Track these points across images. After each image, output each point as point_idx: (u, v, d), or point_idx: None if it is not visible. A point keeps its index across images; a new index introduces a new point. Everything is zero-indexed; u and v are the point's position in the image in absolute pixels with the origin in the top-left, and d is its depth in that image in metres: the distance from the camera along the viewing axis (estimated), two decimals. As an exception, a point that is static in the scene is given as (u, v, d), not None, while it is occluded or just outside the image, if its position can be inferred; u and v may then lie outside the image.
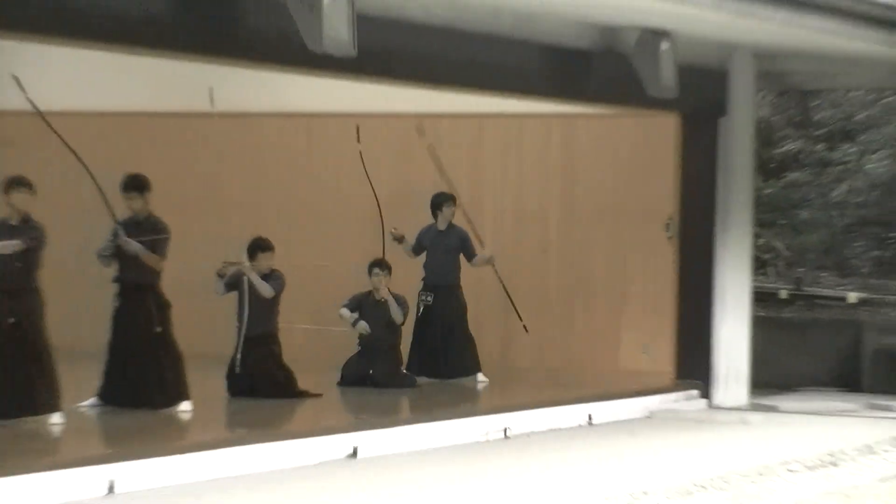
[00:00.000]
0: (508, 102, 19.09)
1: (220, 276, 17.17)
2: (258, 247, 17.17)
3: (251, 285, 17.06)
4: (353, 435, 15.21)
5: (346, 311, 18.32)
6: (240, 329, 17.18)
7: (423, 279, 19.38)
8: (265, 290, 17.09)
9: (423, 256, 19.49)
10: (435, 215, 19.31)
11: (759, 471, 14.38)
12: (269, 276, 17.16)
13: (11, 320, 14.63)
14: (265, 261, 17.09)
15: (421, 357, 19.30)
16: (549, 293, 20.81)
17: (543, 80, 17.35)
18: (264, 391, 17.08)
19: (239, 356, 17.17)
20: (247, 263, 17.11)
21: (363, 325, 18.23)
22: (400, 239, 19.15)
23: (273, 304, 17.30)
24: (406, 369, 18.97)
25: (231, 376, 17.23)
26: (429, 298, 19.28)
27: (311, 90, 19.25)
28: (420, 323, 19.36)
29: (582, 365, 20.31)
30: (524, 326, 19.80)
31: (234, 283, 17.15)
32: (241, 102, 20.28)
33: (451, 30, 15.60)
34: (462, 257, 19.43)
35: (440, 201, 19.31)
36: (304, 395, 17.29)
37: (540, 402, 17.69)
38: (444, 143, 20.73)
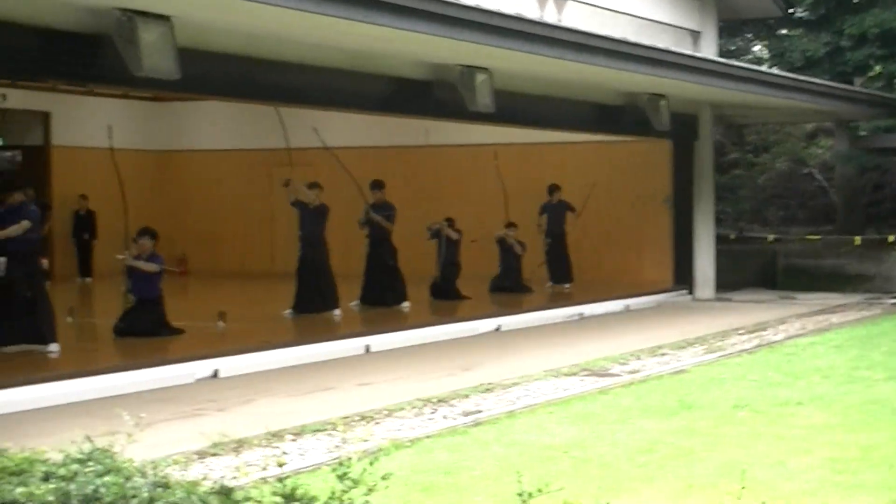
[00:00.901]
0: (579, 135, 19.05)
1: (429, 229, 17.33)
2: (448, 219, 17.30)
3: (445, 234, 17.11)
4: (497, 319, 15.17)
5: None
6: (439, 259, 17.19)
7: (546, 230, 19.22)
8: (454, 235, 17.19)
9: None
10: (549, 195, 19.20)
11: (722, 334, 14.20)
12: (456, 231, 17.28)
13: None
14: (451, 224, 17.22)
15: (552, 271, 19.21)
16: (606, 239, 20.60)
17: (598, 123, 17.22)
18: (448, 295, 17.08)
19: (438, 274, 17.18)
20: (444, 223, 17.18)
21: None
22: (540, 225, 19.16)
23: (457, 245, 17.32)
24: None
25: (433, 287, 17.23)
26: (549, 240, 19.17)
27: (471, 131, 19.31)
28: (548, 253, 19.20)
29: (623, 277, 20.07)
30: None
31: (436, 233, 17.22)
32: (436, 139, 20.27)
33: (548, 97, 15.53)
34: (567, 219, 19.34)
35: (553, 188, 19.22)
36: (465, 297, 17.23)
37: (600, 298, 17.54)
38: (549, 158, 20.64)
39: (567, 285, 19.12)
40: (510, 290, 18.07)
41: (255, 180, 22.77)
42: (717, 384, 10.26)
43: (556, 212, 19.27)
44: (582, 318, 16.38)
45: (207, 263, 23.03)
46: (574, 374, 11.05)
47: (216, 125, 23.45)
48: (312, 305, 14.91)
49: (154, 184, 23.30)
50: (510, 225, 18.50)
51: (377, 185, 16.19)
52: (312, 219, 14.97)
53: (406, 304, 16.04)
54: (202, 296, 19.84)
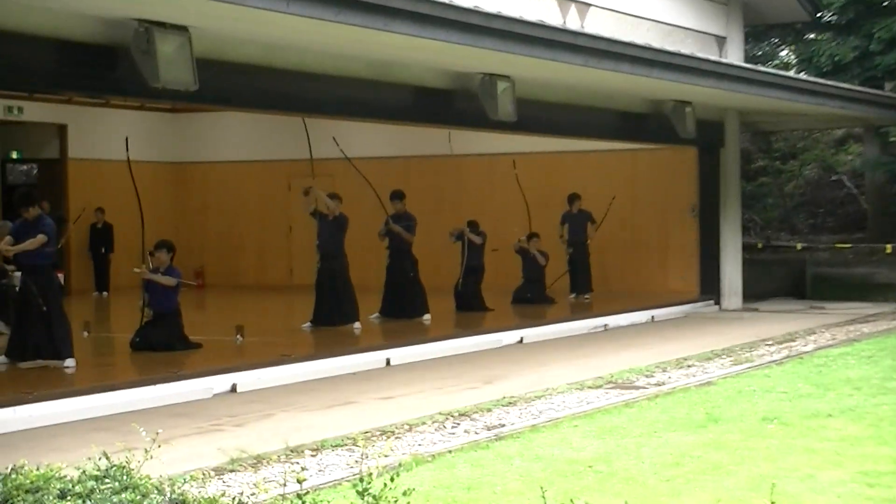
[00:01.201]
0: (603, 144, 19.05)
1: (451, 234, 17.34)
2: (471, 223, 17.32)
3: (468, 238, 17.13)
4: (520, 331, 15.13)
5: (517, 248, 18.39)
6: (462, 263, 17.18)
7: (567, 240, 19.20)
8: (477, 240, 17.18)
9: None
10: (570, 205, 19.18)
11: (750, 345, 14.13)
12: (478, 234, 17.24)
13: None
14: (474, 227, 17.20)
15: (572, 282, 19.16)
16: (631, 248, 20.56)
17: (622, 131, 17.21)
18: (471, 306, 17.04)
19: (461, 280, 17.16)
20: (467, 229, 17.16)
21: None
22: (562, 236, 19.16)
23: (481, 249, 17.31)
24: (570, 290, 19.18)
25: (456, 293, 17.20)
26: (570, 250, 19.14)
27: (491, 140, 19.34)
28: (568, 263, 19.16)
29: (647, 288, 20.02)
30: None
31: (459, 236, 17.21)
32: (457, 148, 20.23)
33: (571, 105, 15.52)
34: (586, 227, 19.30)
35: (573, 198, 19.20)
36: (488, 308, 17.18)
37: (624, 309, 17.47)
38: (571, 167, 20.62)
39: (587, 296, 19.10)
40: (533, 302, 18.04)
41: (274, 192, 22.89)
42: (746, 396, 10.20)
43: (576, 221, 19.25)
44: (606, 330, 16.34)
45: (225, 276, 23.13)
46: (599, 386, 11.02)
47: (234, 136, 23.56)
48: (331, 318, 14.91)
49: (171, 196, 23.41)
50: (532, 235, 18.48)
51: (397, 195, 16.20)
52: (331, 229, 14.99)
53: (427, 317, 16.03)
54: (220, 309, 19.89)
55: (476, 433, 8.76)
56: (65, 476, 4.43)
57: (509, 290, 18.30)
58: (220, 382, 10.94)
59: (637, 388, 10.94)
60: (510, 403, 10.02)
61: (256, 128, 22.80)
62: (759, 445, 8.02)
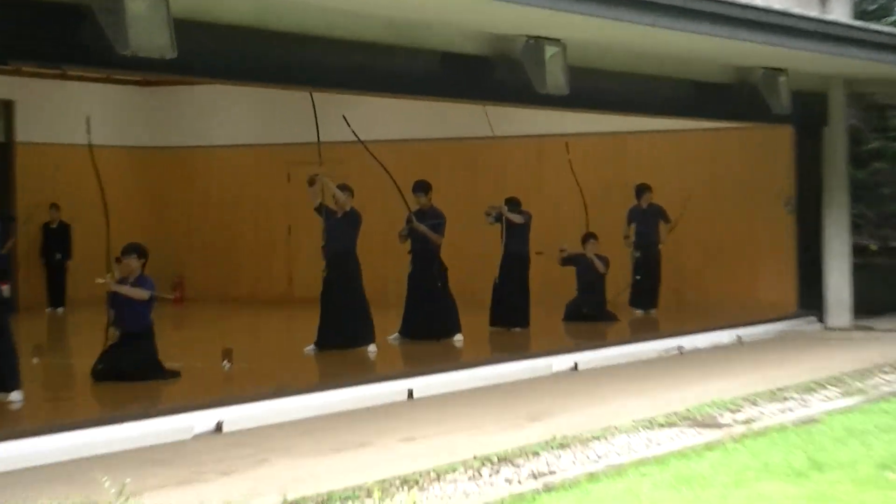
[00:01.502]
0: (676, 122, 19.03)
1: (487, 213, 17.47)
2: (511, 200, 17.37)
3: (507, 218, 17.19)
4: (573, 355, 15.09)
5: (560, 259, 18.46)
6: (503, 244, 17.26)
7: (634, 242, 19.29)
8: (517, 218, 17.28)
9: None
10: (637, 199, 19.20)
11: (862, 372, 14.08)
12: (520, 213, 17.34)
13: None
14: (514, 205, 17.29)
15: (635, 293, 19.26)
16: (711, 252, 20.52)
17: (699, 106, 17.15)
18: (513, 317, 17.02)
19: (498, 273, 17.23)
20: (505, 207, 17.19)
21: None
22: (628, 237, 19.33)
23: (524, 232, 17.36)
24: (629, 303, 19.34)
25: (495, 289, 17.26)
26: (637, 254, 19.22)
27: (538, 118, 19.34)
28: (635, 270, 19.26)
29: (732, 301, 19.96)
30: None
31: (497, 216, 17.32)
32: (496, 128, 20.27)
33: (636, 74, 15.49)
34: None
35: (641, 189, 19.31)
36: (516, 326, 17.20)
37: (704, 328, 17.41)
38: (638, 151, 20.68)
39: (652, 311, 19.07)
40: (590, 318, 18.03)
41: (271, 183, 22.97)
42: (858, 437, 10.15)
43: (646, 219, 19.29)
44: (682, 353, 16.28)
45: (210, 287, 23.21)
46: (673, 424, 10.99)
47: (221, 115, 23.66)
48: (341, 339, 14.94)
49: (143, 189, 23.53)
50: (589, 236, 18.44)
51: (422, 187, 16.21)
52: (341, 228, 15.01)
53: (458, 337, 16.02)
54: (203, 328, 19.96)
55: (520, 482, 8.73)
56: (9, 538, 4.43)
57: (560, 303, 18.28)
58: (203, 420, 10.93)
59: (721, 426, 10.91)
60: (562, 445, 10.00)
61: (249, 105, 22.90)
62: (874, 499, 7.98)
